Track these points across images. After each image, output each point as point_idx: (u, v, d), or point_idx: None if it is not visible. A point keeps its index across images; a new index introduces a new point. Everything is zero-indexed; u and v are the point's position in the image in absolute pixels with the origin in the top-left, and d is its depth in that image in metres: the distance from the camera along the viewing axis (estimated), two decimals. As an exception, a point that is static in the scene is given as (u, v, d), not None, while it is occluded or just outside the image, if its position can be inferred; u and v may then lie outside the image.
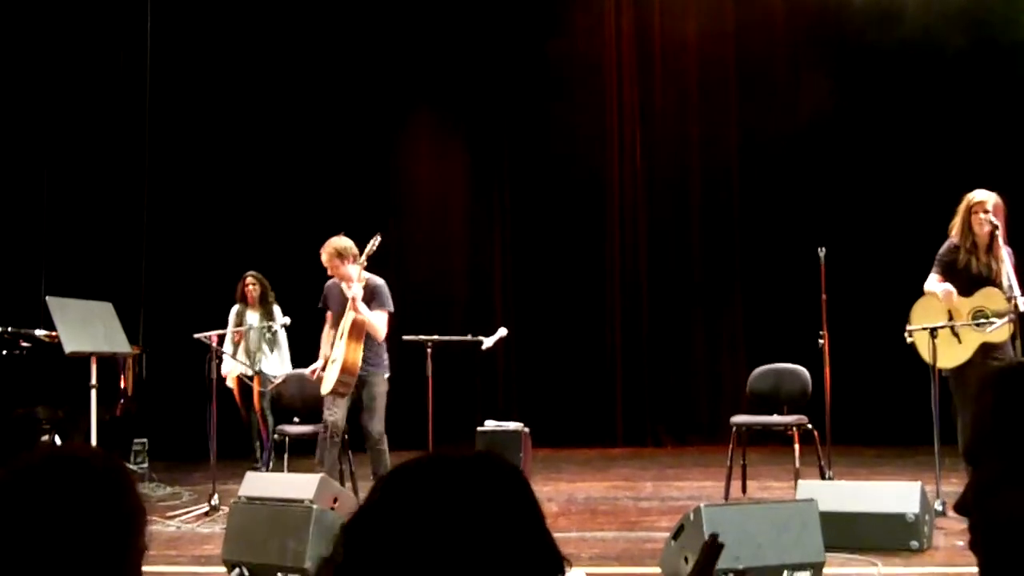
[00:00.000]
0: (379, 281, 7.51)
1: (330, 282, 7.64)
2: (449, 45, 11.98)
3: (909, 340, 6.69)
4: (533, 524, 1.20)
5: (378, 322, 7.37)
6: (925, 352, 6.59)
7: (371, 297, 7.39)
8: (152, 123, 11.24)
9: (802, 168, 11.35)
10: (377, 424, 7.34)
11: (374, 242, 7.28)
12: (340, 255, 7.38)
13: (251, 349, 9.40)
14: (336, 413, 7.30)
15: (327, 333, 7.69)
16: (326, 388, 7.37)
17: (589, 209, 11.99)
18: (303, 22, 11.88)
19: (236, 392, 9.45)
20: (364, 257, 7.30)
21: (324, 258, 7.44)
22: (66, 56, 11.11)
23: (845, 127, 11.21)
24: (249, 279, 9.56)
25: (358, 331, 7.30)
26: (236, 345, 9.45)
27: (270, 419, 9.19)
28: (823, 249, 7.42)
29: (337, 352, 7.35)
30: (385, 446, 7.32)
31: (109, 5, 11.35)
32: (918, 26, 10.42)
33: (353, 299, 7.25)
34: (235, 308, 9.62)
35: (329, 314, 7.70)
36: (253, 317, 9.47)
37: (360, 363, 7.29)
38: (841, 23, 11.27)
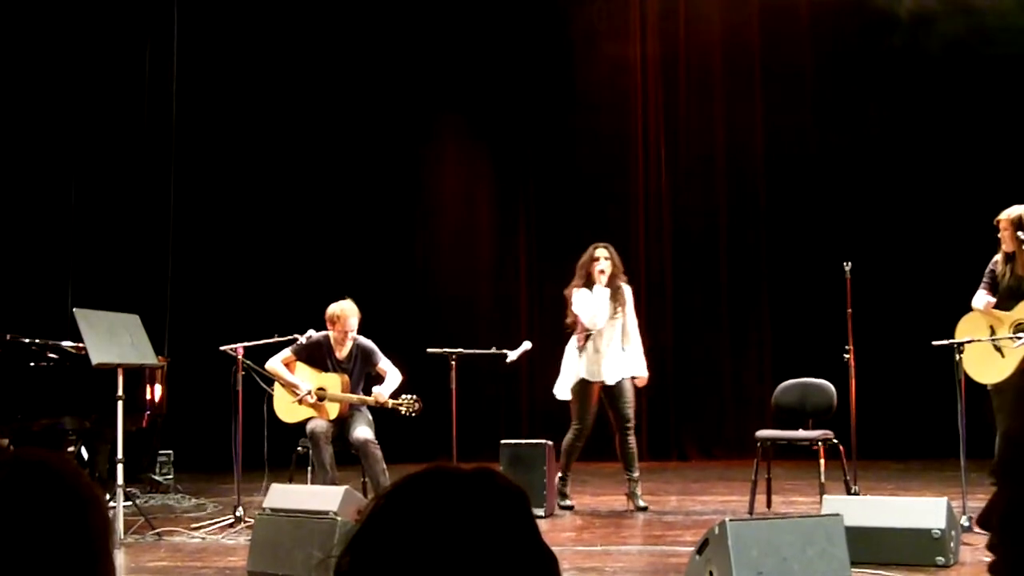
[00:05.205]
0: (369, 342, 7.62)
1: (320, 336, 7.60)
2: (474, 57, 12.03)
3: (958, 356, 6.47)
4: (531, 541, 1.24)
5: (398, 375, 7.54)
6: (970, 367, 6.50)
7: (370, 354, 7.56)
8: (178, 135, 11.31)
9: (828, 182, 11.30)
10: (367, 433, 7.37)
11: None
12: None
13: (602, 349, 7.97)
14: (316, 423, 7.35)
15: (299, 367, 7.61)
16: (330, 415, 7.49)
17: (614, 222, 11.94)
18: (329, 35, 11.96)
19: None
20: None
21: (352, 322, 7.47)
22: (93, 70, 11.21)
23: (872, 139, 11.15)
24: (600, 253, 7.83)
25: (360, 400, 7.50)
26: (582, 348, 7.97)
27: None
28: (849, 263, 7.39)
29: (333, 410, 7.45)
30: (379, 451, 7.30)
31: (136, 19, 11.44)
32: (949, 34, 10.28)
33: (378, 397, 7.34)
34: (581, 293, 7.87)
35: (292, 352, 7.63)
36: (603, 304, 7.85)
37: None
38: (869, 32, 11.19)
